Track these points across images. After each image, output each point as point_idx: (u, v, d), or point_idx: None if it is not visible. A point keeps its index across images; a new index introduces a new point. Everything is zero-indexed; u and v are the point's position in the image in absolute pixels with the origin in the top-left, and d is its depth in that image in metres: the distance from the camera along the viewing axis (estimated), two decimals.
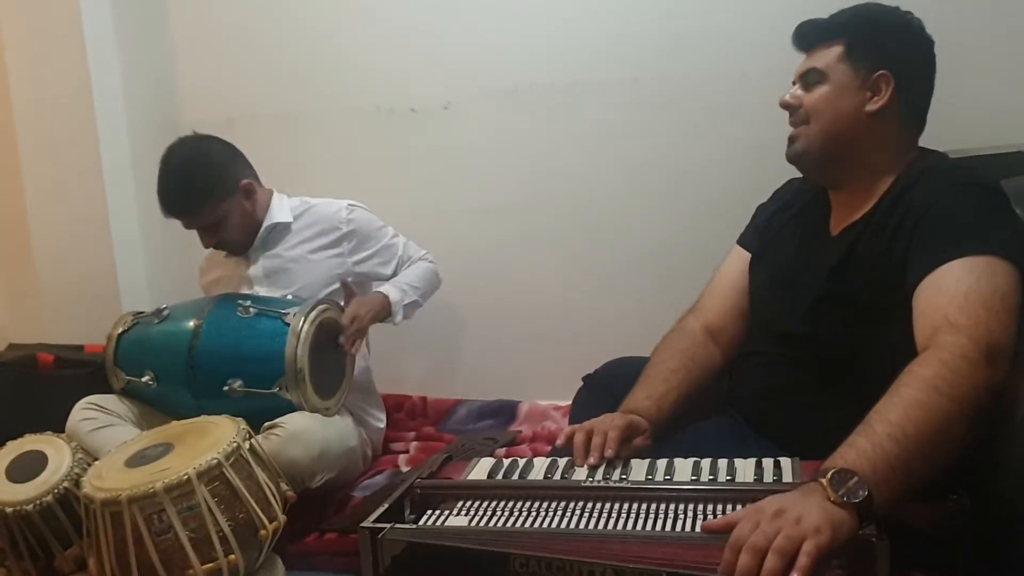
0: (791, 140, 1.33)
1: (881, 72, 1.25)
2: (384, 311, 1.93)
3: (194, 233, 1.94)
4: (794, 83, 1.34)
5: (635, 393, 1.33)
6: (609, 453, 1.15)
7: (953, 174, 1.22)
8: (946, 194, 1.18)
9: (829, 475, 0.92)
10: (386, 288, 1.97)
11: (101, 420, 1.73)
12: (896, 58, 1.26)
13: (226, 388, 1.68)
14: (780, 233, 1.42)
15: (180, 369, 1.72)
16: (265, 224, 1.97)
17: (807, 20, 1.33)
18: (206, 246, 1.96)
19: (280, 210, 2.00)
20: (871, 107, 1.26)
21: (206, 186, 1.85)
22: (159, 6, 2.50)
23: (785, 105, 1.33)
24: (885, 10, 1.30)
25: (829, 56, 1.28)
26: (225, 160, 1.91)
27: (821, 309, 1.26)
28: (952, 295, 1.07)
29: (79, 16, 2.34)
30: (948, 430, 0.97)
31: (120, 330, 1.82)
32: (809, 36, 1.32)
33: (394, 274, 2.04)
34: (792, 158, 1.35)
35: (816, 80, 1.29)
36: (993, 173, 1.34)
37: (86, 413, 1.73)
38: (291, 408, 1.69)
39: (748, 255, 1.46)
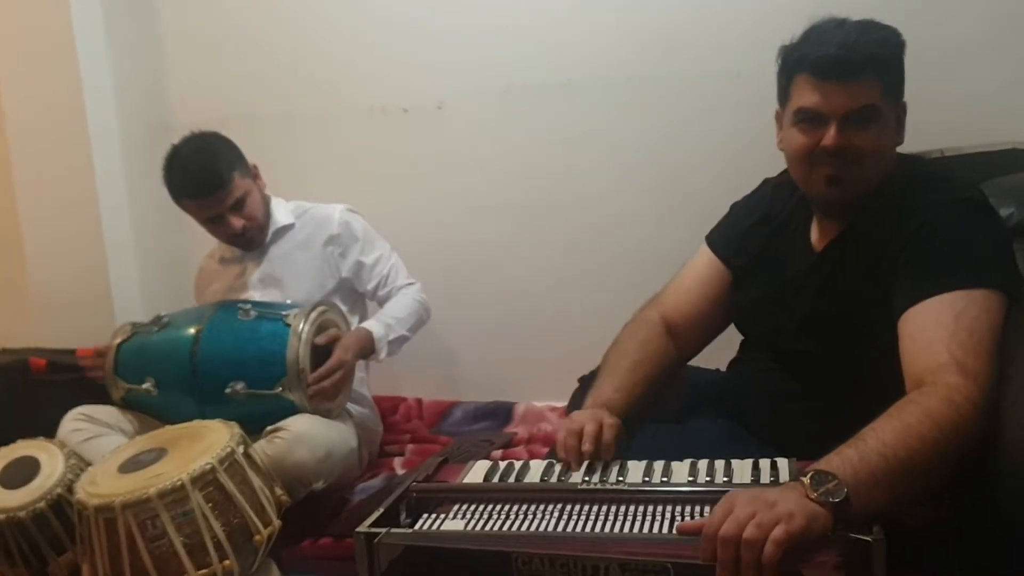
0: (836, 181, 1.20)
1: (903, 103, 1.24)
2: (368, 347, 1.87)
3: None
4: (826, 120, 1.18)
5: (603, 386, 1.31)
6: (586, 448, 1.15)
7: (939, 186, 1.21)
8: (936, 213, 1.16)
9: (809, 475, 0.93)
10: (370, 324, 1.92)
11: (90, 431, 1.72)
12: (904, 85, 1.24)
13: (228, 391, 1.67)
14: (764, 254, 1.38)
15: (182, 374, 1.71)
16: (272, 228, 1.98)
17: (846, 47, 1.16)
18: (230, 232, 1.89)
19: (281, 213, 2.01)
20: (900, 139, 1.25)
21: (229, 159, 1.87)
22: (150, 6, 2.48)
23: (835, 149, 1.18)
24: (897, 35, 1.22)
25: (875, 92, 1.18)
26: (231, 144, 1.93)
27: (812, 327, 1.26)
28: (955, 331, 1.06)
29: (69, 15, 2.33)
30: (939, 463, 0.99)
31: (119, 340, 1.80)
32: (852, 65, 1.16)
33: (374, 292, 2.02)
34: (837, 201, 1.24)
35: (870, 118, 1.18)
36: (986, 171, 1.35)
37: (76, 424, 1.72)
38: (294, 409, 1.69)
39: (717, 260, 1.44)
